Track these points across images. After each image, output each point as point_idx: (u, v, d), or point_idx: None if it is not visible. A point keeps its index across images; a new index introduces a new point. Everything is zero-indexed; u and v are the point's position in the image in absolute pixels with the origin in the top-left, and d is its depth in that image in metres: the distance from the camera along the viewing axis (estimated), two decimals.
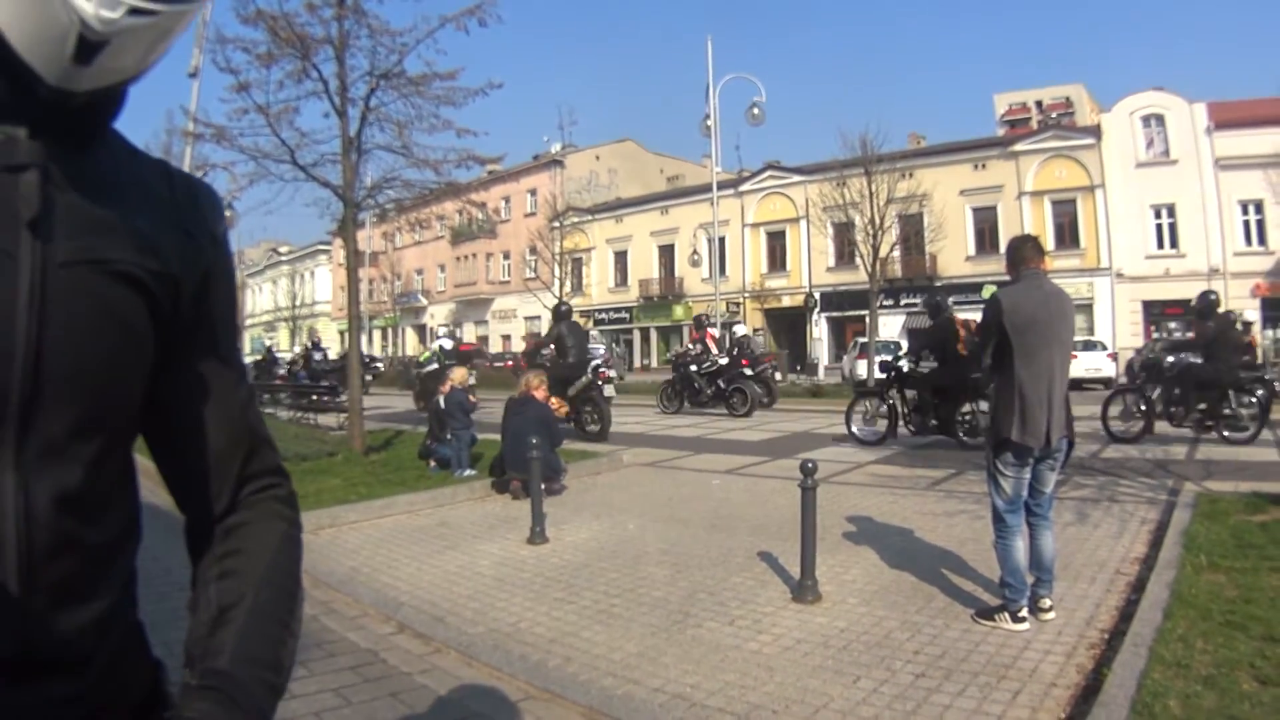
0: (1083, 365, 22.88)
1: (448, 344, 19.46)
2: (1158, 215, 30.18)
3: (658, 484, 8.60)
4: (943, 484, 8.08)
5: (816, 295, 37.18)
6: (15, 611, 0.71)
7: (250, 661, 0.84)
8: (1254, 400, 10.31)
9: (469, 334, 49.47)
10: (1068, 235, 31.57)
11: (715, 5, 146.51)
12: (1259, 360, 13.49)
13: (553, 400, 9.72)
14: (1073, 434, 4.17)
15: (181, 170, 0.95)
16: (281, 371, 22.99)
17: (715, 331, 18.50)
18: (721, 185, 30.41)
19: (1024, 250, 4.21)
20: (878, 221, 27.48)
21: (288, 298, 54.38)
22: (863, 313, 30.02)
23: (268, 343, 42.06)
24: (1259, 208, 28.47)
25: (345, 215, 9.82)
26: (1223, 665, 3.17)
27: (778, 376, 19.89)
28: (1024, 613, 3.96)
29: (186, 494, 0.93)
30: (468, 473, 8.54)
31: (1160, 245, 30.18)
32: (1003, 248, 4.97)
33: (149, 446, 0.92)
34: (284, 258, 65.96)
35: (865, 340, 26.46)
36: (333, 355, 26.30)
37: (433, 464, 8.92)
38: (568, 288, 35.92)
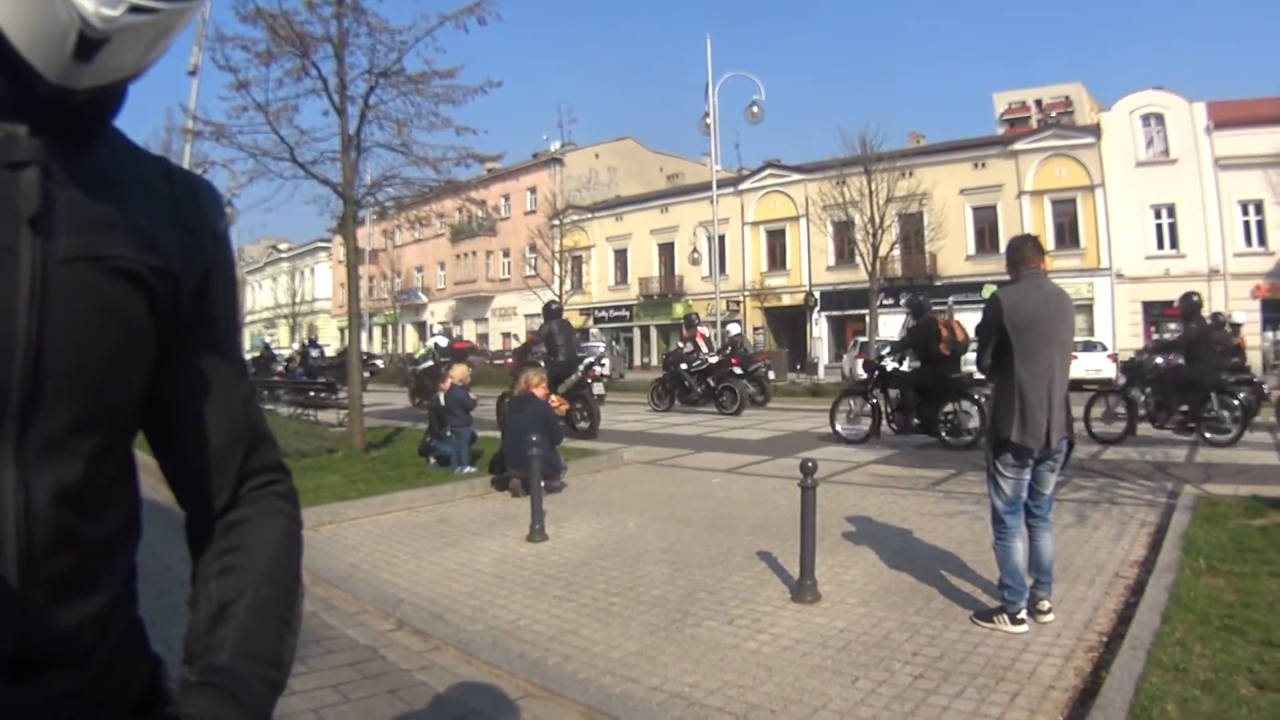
0: (1083, 366, 22.87)
1: (442, 341, 19.50)
2: (1157, 215, 30.18)
3: (658, 482, 8.60)
4: (942, 484, 8.08)
5: (816, 294, 37.19)
6: (15, 607, 0.71)
7: (250, 658, 0.84)
8: (1236, 402, 10.36)
9: (469, 331, 49.50)
10: (1067, 235, 31.57)
11: (715, 3, 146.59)
12: (1244, 362, 13.56)
13: (553, 398, 9.73)
14: (1073, 435, 4.17)
15: (181, 167, 0.95)
16: (279, 369, 23.00)
17: (705, 330, 18.67)
18: (721, 184, 30.41)
19: (1024, 250, 4.20)
20: (877, 220, 27.51)
21: (288, 295, 54.44)
22: (863, 312, 30.06)
23: (267, 339, 42.10)
24: (1259, 208, 28.47)
25: (345, 213, 9.82)
26: (1221, 670, 3.17)
27: (771, 376, 19.99)
28: (1023, 615, 3.96)
29: (187, 490, 0.93)
30: (468, 470, 8.54)
31: (1160, 245, 30.19)
32: (1003, 247, 4.98)
33: (150, 442, 0.92)
34: (284, 255, 66.00)
35: (865, 339, 26.48)
36: (330, 352, 26.34)
37: (433, 461, 8.92)
38: (568, 285, 35.97)
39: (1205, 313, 11.53)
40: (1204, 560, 4.60)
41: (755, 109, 23.70)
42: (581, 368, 12.47)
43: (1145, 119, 30.50)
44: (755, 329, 38.54)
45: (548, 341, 12.20)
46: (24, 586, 0.71)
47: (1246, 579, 4.29)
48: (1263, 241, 28.62)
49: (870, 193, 27.91)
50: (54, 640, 0.74)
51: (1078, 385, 10.25)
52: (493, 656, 3.81)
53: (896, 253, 31.65)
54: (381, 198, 10.59)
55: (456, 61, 12.32)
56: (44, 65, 0.71)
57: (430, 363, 18.27)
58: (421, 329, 53.22)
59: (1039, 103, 43.41)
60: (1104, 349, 25.93)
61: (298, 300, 54.34)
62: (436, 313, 52.16)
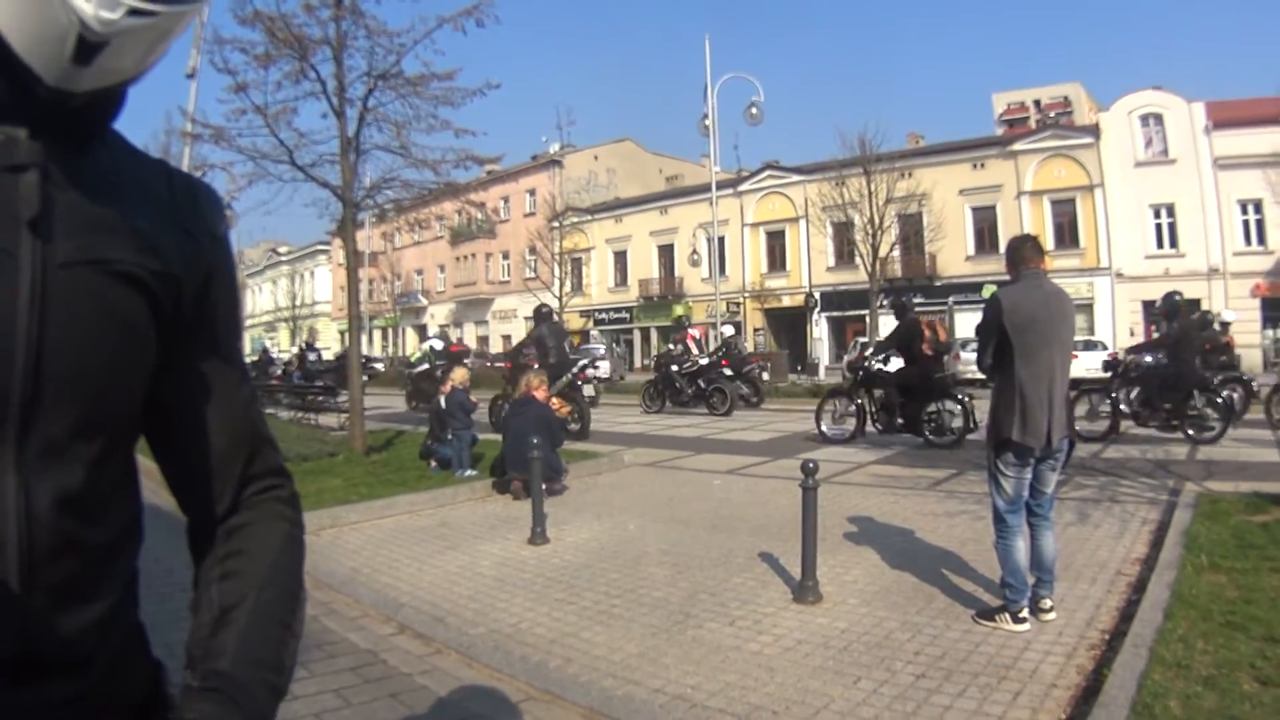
0: (1083, 365, 22.85)
1: (438, 345, 19.53)
2: (1157, 215, 30.20)
3: (658, 484, 8.60)
4: (944, 484, 8.08)
5: (816, 295, 37.20)
6: (16, 612, 0.71)
7: (252, 663, 0.84)
8: (1220, 400, 10.39)
9: (470, 334, 49.52)
10: (1067, 235, 31.59)
11: (713, 5, 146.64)
12: (1233, 360, 13.64)
13: (554, 401, 9.73)
14: (1074, 434, 4.17)
15: (181, 170, 0.95)
16: (277, 372, 23.03)
17: (695, 332, 18.95)
18: (720, 185, 30.41)
19: (1024, 250, 4.21)
20: (877, 221, 27.55)
21: (287, 298, 54.46)
22: (863, 312, 30.06)
23: (267, 343, 42.11)
24: (1258, 207, 28.49)
25: (344, 215, 9.82)
26: (1223, 666, 3.17)
27: (765, 377, 20.18)
28: (1025, 613, 3.96)
29: (188, 495, 0.93)
30: (469, 473, 8.54)
31: (1160, 245, 30.20)
32: (1002, 247, 4.97)
33: (151, 447, 0.91)
34: (283, 258, 66.02)
35: (866, 340, 26.47)
36: (328, 356, 26.36)
37: (433, 464, 8.91)
38: (567, 288, 35.99)
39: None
40: (1206, 557, 4.60)
41: (754, 110, 23.72)
42: (575, 369, 12.52)
43: (1144, 119, 30.53)
44: (755, 330, 38.56)
45: (538, 344, 12.25)
46: (25, 592, 0.71)
47: (1248, 575, 4.30)
48: (1262, 240, 28.65)
49: (870, 193, 27.95)
50: (55, 645, 0.74)
51: (1078, 385, 10.31)
52: (494, 660, 3.80)
53: (896, 253, 31.69)
54: (381, 200, 10.60)
55: (455, 64, 12.39)
56: (43, 68, 0.71)
57: (426, 366, 18.30)
58: (422, 332, 53.24)
59: (1038, 103, 43.48)
60: (1104, 348, 25.88)
61: (298, 303, 54.37)
62: (437, 315, 52.18)
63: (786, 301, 38.51)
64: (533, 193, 46.99)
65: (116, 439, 0.80)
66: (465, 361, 15.08)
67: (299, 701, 3.22)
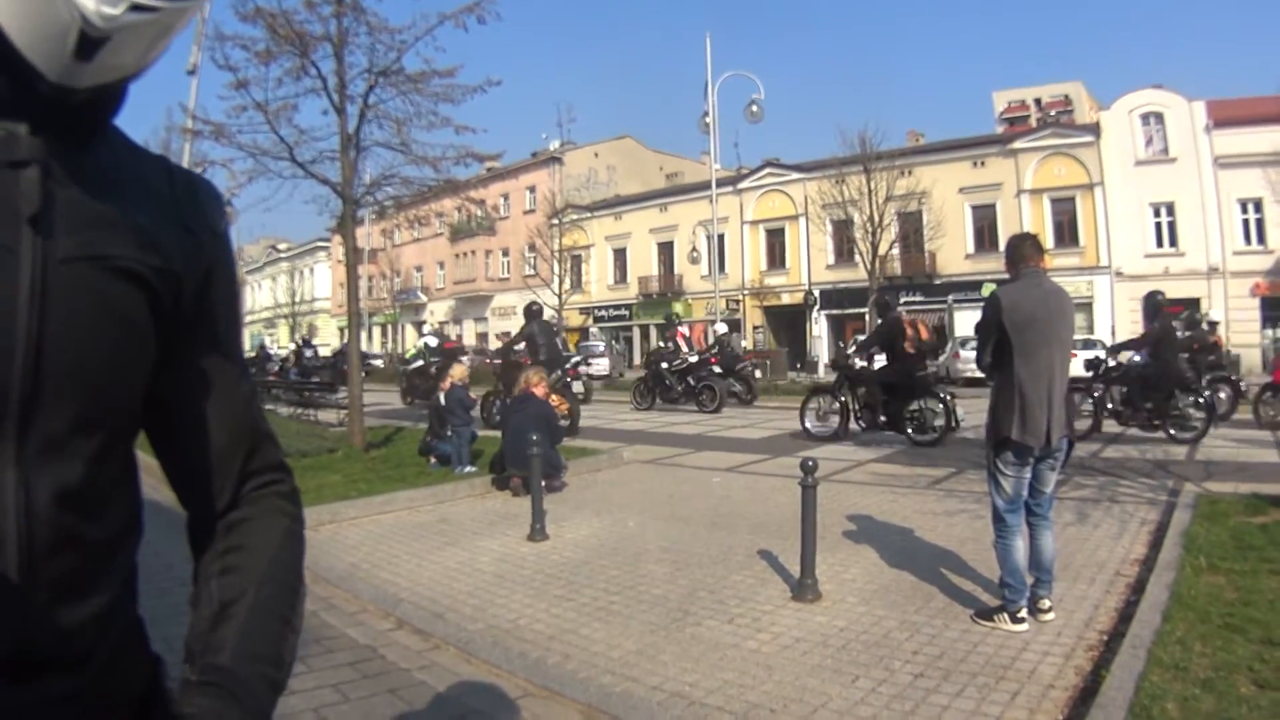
0: (1082, 364, 22.87)
1: (433, 341, 19.57)
2: (1157, 214, 30.17)
3: (658, 481, 8.60)
4: (943, 483, 8.08)
5: (816, 293, 37.17)
6: (15, 608, 0.71)
7: (251, 657, 0.84)
8: (1201, 400, 10.40)
9: (469, 331, 49.51)
10: (1067, 233, 31.56)
11: (714, 3, 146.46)
12: (1221, 360, 13.68)
13: (553, 397, 9.73)
14: (1073, 433, 4.17)
15: (181, 166, 0.95)
16: (275, 368, 23.04)
17: (684, 330, 19.16)
18: (720, 182, 30.41)
19: (1023, 248, 4.20)
20: (877, 219, 27.55)
21: (287, 294, 54.39)
22: (862, 310, 30.08)
23: (266, 339, 42.11)
24: (1258, 206, 28.46)
25: (344, 212, 9.83)
26: (1221, 668, 3.17)
27: (758, 375, 20.38)
28: (1023, 613, 3.96)
29: (189, 490, 0.93)
30: (468, 469, 8.55)
31: (1160, 244, 30.18)
32: (1002, 246, 4.97)
33: (151, 442, 0.91)
34: (283, 254, 65.98)
35: (865, 338, 26.48)
36: (325, 352, 26.37)
37: (433, 460, 8.92)
38: (567, 285, 35.96)
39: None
40: (1205, 558, 4.60)
41: (754, 108, 23.73)
42: (569, 365, 12.60)
43: (1144, 118, 30.49)
44: (755, 328, 38.54)
45: (528, 342, 12.26)
46: (24, 587, 0.71)
47: (1247, 577, 4.30)
48: (1262, 240, 28.62)
49: (869, 191, 27.95)
50: (54, 641, 0.74)
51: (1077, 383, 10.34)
52: (493, 656, 3.81)
53: (896, 251, 31.68)
54: (381, 197, 10.60)
55: (456, 60, 12.37)
56: (45, 64, 0.71)
57: (420, 362, 18.34)
58: (421, 329, 53.28)
59: (1038, 101, 43.39)
60: (1104, 347, 25.90)
61: (297, 300, 54.31)
62: (436, 312, 52.14)
63: (786, 299, 38.47)
64: (533, 190, 46.93)
65: (116, 434, 0.80)
66: (463, 358, 15.10)
67: (297, 696, 3.23)
